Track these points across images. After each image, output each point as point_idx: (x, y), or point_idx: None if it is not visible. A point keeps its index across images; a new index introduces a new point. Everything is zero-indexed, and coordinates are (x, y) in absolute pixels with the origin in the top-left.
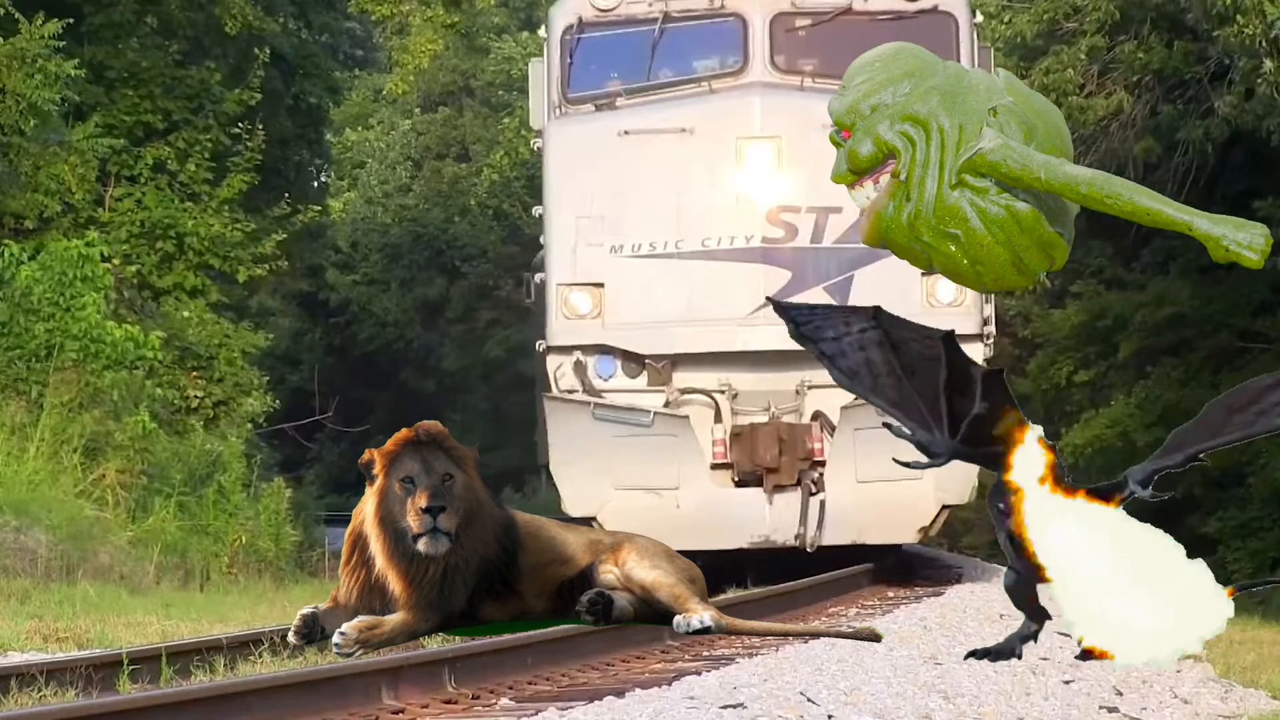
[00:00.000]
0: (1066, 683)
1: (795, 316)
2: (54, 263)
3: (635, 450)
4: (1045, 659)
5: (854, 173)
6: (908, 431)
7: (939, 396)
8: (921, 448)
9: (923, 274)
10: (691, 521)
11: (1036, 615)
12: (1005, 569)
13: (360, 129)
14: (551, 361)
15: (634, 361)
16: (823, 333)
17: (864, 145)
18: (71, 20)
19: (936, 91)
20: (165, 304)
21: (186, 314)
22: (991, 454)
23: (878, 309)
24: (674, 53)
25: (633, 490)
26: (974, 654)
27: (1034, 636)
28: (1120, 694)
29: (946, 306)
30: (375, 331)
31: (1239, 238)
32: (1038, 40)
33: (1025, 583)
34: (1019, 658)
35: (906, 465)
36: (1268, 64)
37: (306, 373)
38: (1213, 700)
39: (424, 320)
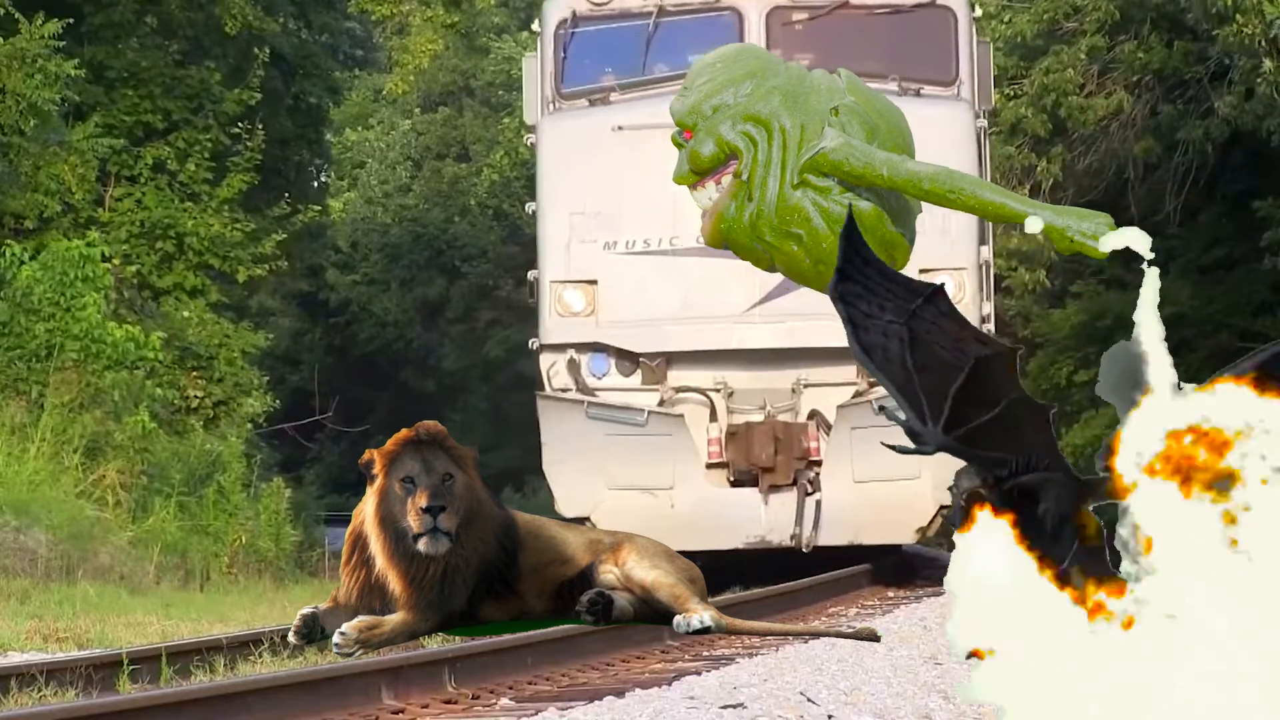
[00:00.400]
0: None
1: (849, 270)
2: (54, 263)
3: (629, 449)
4: None
5: (696, 173)
6: (901, 417)
7: (946, 398)
8: (911, 434)
9: (920, 270)
10: (686, 522)
11: None
12: None
13: (360, 129)
14: (545, 360)
15: (628, 360)
16: (859, 300)
17: (706, 146)
18: (71, 20)
19: (778, 92)
20: (165, 304)
21: (186, 314)
22: (986, 458)
23: (938, 289)
24: (669, 47)
25: (627, 490)
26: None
27: None
28: None
29: None
30: (375, 331)
31: (1083, 228)
32: (1038, 40)
33: None
34: None
35: (893, 449)
36: (1267, 64)
37: (306, 373)
38: None
39: (424, 320)
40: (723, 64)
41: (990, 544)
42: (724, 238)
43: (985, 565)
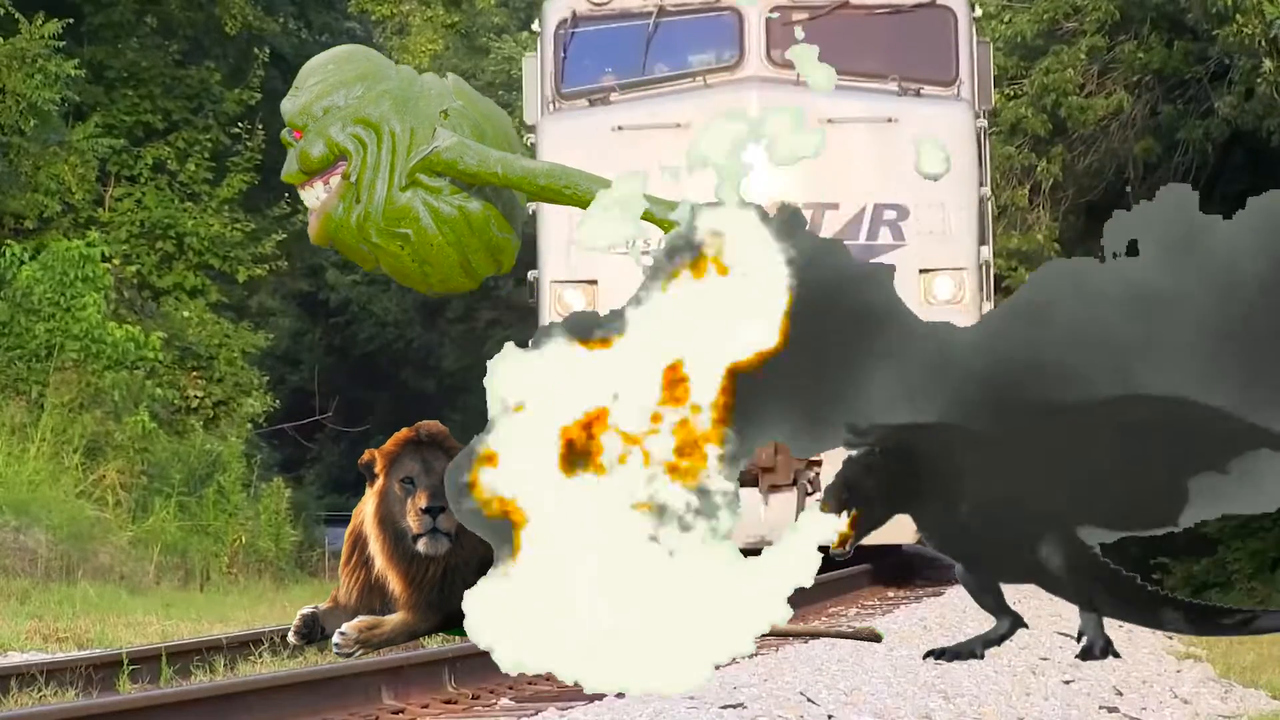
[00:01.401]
0: (1066, 683)
1: None
2: (54, 263)
3: None
4: (1045, 659)
5: (305, 173)
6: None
7: None
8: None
9: (920, 271)
10: None
11: (1002, 615)
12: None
13: None
14: None
15: None
16: None
17: (316, 147)
18: (71, 20)
19: (389, 95)
20: (165, 304)
21: (186, 314)
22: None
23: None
24: (669, 47)
25: None
26: (932, 653)
27: (999, 640)
28: (1120, 694)
29: (944, 304)
30: (375, 331)
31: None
32: (1038, 40)
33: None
34: (979, 659)
35: None
36: (1267, 64)
37: (306, 373)
38: (1213, 700)
39: (424, 320)
40: (334, 65)
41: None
42: (330, 237)
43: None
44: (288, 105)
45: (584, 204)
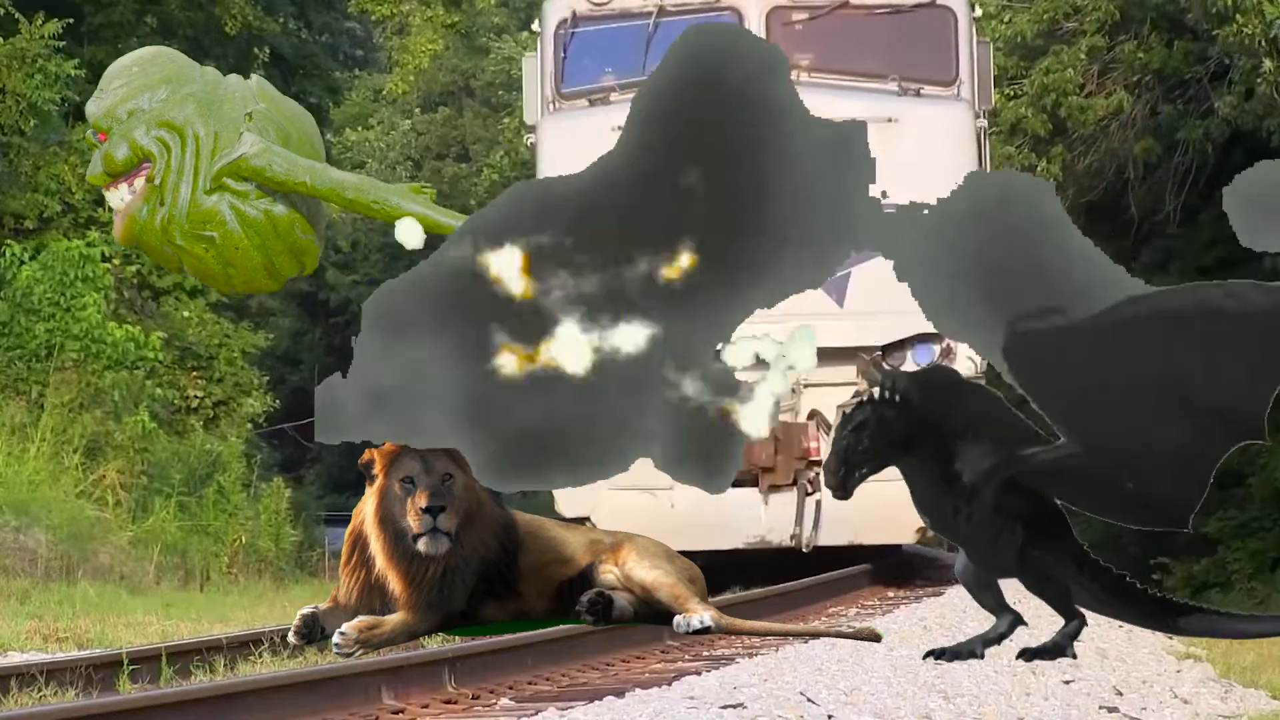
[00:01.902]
0: (1066, 683)
1: None
2: (54, 263)
3: None
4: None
5: (109, 175)
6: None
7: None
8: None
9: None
10: (686, 522)
11: (1001, 613)
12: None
13: (360, 129)
14: None
15: None
16: None
17: (120, 149)
18: (71, 20)
19: (193, 99)
20: (165, 304)
21: (186, 314)
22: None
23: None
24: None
25: (627, 490)
26: (932, 653)
27: (999, 639)
28: (1120, 694)
29: None
30: None
31: None
32: (1038, 40)
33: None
34: (980, 658)
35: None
36: (1267, 64)
37: (306, 373)
38: (1213, 700)
39: None
40: (139, 68)
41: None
42: (135, 239)
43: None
44: (92, 108)
45: (390, 217)
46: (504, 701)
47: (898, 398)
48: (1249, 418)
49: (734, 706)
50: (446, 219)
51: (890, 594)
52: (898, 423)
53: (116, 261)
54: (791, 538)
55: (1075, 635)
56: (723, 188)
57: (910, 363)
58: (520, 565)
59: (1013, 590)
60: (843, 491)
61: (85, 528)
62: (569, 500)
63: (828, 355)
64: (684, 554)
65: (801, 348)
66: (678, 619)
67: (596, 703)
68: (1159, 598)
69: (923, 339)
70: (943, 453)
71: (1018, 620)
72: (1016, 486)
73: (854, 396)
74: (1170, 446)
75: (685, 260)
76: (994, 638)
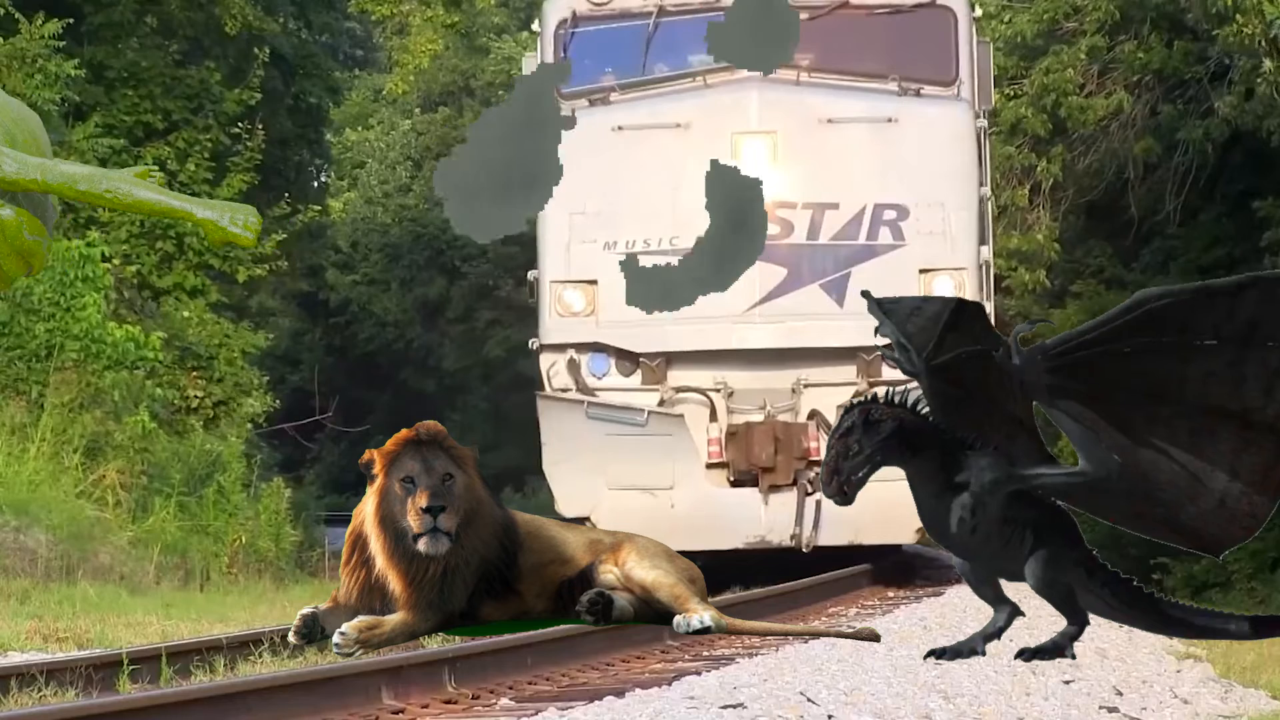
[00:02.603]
0: (1066, 683)
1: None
2: (55, 263)
3: (629, 450)
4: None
5: None
6: (889, 341)
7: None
8: (898, 362)
9: (920, 271)
10: (686, 522)
11: (1000, 606)
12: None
13: (360, 129)
14: (545, 360)
15: (628, 360)
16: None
17: None
18: (71, 20)
19: None
20: (165, 304)
21: (186, 314)
22: (944, 394)
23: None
24: (669, 47)
25: (627, 490)
26: (933, 653)
27: (999, 634)
28: (1120, 694)
29: None
30: (375, 331)
31: (237, 219)
32: (1038, 40)
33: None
34: (981, 654)
35: (881, 353)
36: (1267, 64)
37: (306, 373)
38: (1213, 700)
39: (424, 320)
40: None
41: None
42: None
43: None
44: None
45: (127, 208)
46: (504, 701)
47: (895, 400)
48: None
49: (734, 706)
50: (178, 203)
51: (890, 594)
52: (890, 423)
53: (116, 262)
54: (791, 538)
55: (1076, 636)
56: None
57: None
58: (520, 565)
59: (1013, 589)
60: (842, 498)
61: (85, 528)
62: (569, 501)
63: (828, 356)
64: (684, 554)
65: None
66: (678, 619)
67: (596, 703)
68: (1169, 603)
69: None
70: (947, 462)
71: (1016, 611)
72: (1023, 495)
73: (853, 398)
74: (1216, 494)
75: None
76: (993, 632)
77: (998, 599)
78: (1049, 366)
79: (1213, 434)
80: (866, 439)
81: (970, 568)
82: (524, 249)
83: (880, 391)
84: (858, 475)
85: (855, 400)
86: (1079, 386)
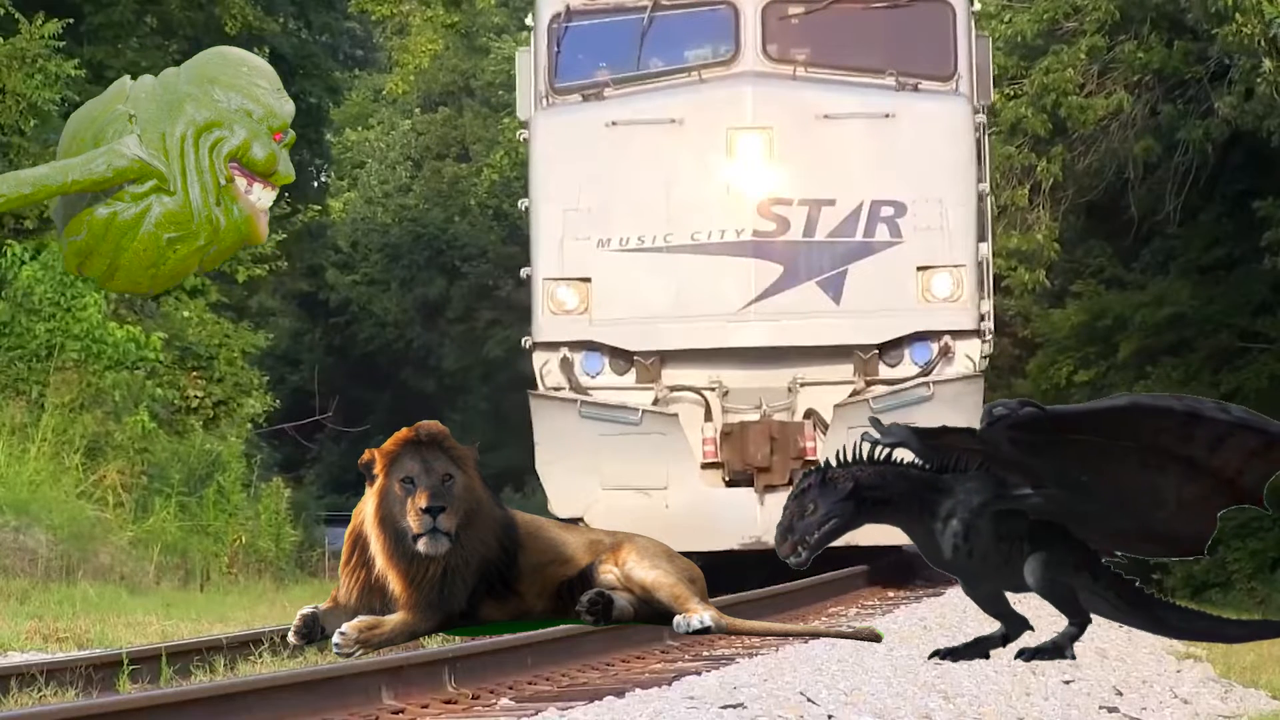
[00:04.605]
0: (1066, 683)
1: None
2: (55, 263)
3: (623, 449)
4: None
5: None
6: (880, 434)
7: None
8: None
9: (917, 268)
10: (681, 522)
11: (1009, 621)
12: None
13: (360, 129)
14: (538, 358)
15: (622, 358)
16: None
17: (261, 149)
18: (71, 20)
19: None
20: (165, 304)
21: (186, 314)
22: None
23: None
24: (664, 42)
25: (621, 490)
26: (937, 653)
27: (1004, 641)
28: (1120, 694)
29: (942, 302)
30: (375, 331)
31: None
32: (1038, 40)
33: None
34: (985, 658)
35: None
36: (1267, 64)
37: (306, 373)
38: (1213, 700)
39: (424, 320)
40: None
41: None
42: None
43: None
44: (289, 107)
45: (99, 185)
46: (504, 701)
47: (850, 460)
48: (1252, 491)
49: (734, 706)
50: (51, 171)
51: (890, 594)
52: (846, 483)
53: None
54: None
55: (1076, 636)
56: None
57: (908, 361)
58: (520, 565)
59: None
60: (796, 558)
61: (85, 528)
62: (562, 501)
63: (824, 354)
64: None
65: None
66: (678, 619)
67: (596, 703)
68: (1173, 606)
69: (919, 337)
70: (926, 498)
71: (1023, 624)
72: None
73: (850, 396)
74: (1175, 502)
75: None
76: (999, 638)
77: (1007, 616)
78: (1009, 437)
79: (1161, 469)
80: (822, 499)
81: (976, 592)
82: (524, 249)
83: (835, 453)
84: (812, 535)
85: (811, 469)
86: (1036, 439)
